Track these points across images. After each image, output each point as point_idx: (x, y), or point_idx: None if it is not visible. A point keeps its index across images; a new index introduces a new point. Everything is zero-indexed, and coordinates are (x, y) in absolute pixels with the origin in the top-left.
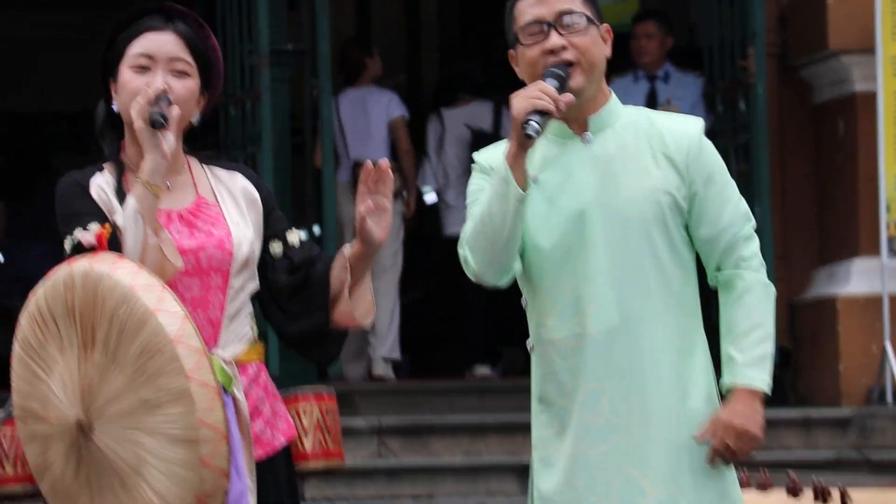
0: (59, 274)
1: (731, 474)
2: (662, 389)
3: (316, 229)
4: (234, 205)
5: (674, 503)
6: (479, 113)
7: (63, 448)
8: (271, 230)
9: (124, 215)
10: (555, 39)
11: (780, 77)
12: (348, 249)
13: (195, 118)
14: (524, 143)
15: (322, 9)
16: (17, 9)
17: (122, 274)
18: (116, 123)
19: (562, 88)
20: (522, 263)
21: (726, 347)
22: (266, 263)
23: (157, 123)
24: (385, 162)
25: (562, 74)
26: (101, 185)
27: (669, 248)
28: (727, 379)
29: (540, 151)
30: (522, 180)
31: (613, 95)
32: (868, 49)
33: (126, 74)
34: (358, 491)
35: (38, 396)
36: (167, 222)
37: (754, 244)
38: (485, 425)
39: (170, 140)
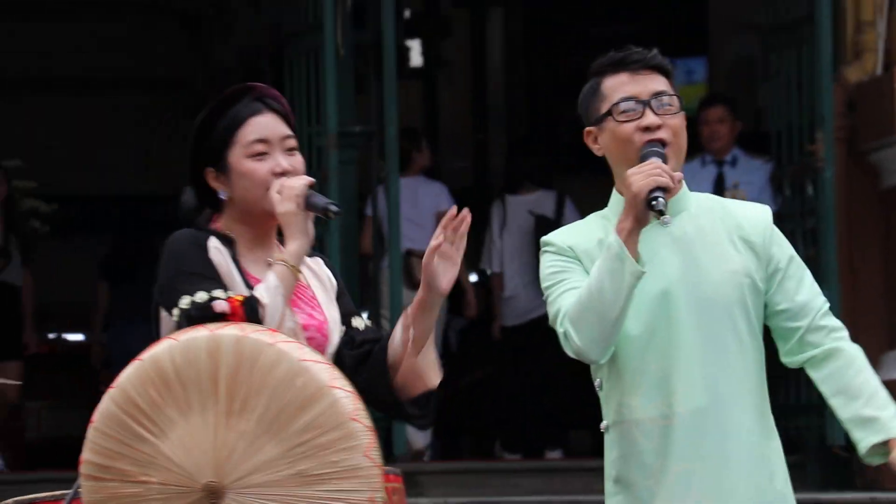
0: (197, 338)
1: None
2: (751, 472)
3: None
4: (322, 290)
5: None
6: (542, 201)
7: None
8: (341, 313)
9: (265, 290)
10: (652, 118)
11: (849, 161)
12: (409, 309)
13: None
14: (644, 219)
15: (390, 92)
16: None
17: (289, 347)
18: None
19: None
20: None
21: (858, 410)
22: None
23: (335, 213)
24: (466, 211)
25: (663, 153)
26: (219, 248)
27: (749, 331)
28: (873, 437)
29: (604, 236)
30: (637, 257)
31: (684, 181)
32: None
33: (246, 164)
34: None
35: (133, 457)
36: (300, 299)
37: (832, 316)
38: None
39: (311, 226)
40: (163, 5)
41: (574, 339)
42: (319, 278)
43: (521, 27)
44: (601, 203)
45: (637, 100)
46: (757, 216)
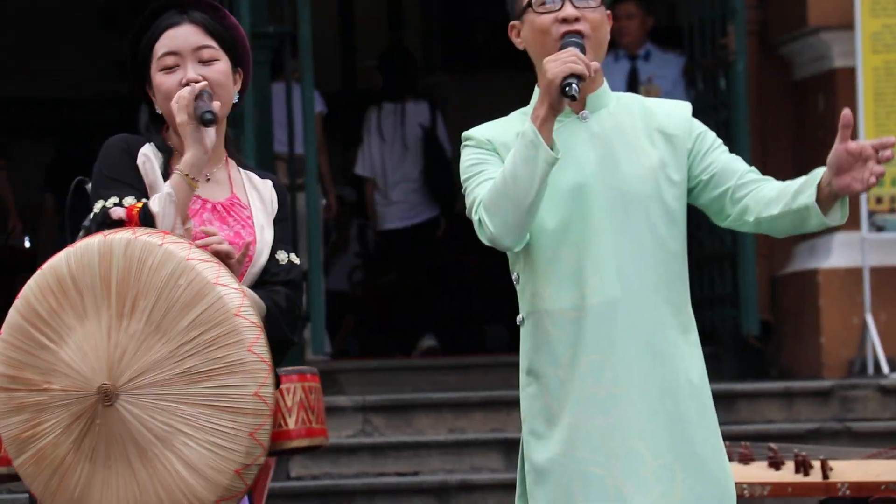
0: (92, 244)
1: (723, 448)
2: (664, 363)
3: None
4: (263, 211)
5: (672, 472)
6: (418, 110)
7: (65, 418)
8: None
9: (159, 199)
10: (570, 10)
11: (761, 54)
12: None
13: (235, 98)
14: (558, 106)
15: None
16: None
17: (175, 247)
18: (158, 122)
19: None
20: None
21: (792, 185)
22: None
23: (207, 121)
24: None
25: (581, 44)
26: (148, 155)
27: (667, 225)
28: (813, 179)
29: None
30: (552, 144)
31: (605, 79)
32: (847, 25)
33: (158, 78)
34: (343, 468)
35: (36, 365)
36: (201, 209)
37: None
38: (468, 401)
39: (211, 135)
40: None
41: (488, 225)
42: (262, 199)
43: None
44: (524, 101)
45: None
46: (677, 110)
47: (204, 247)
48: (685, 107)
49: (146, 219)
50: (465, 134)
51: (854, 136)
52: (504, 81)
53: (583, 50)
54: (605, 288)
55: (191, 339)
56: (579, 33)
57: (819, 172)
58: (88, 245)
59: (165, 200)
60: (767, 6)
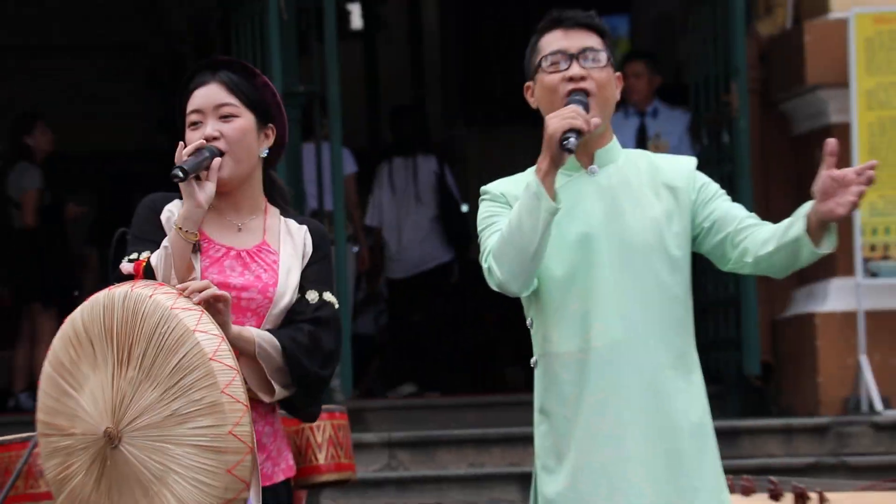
0: (99, 297)
1: (724, 482)
2: (665, 403)
3: None
4: (293, 256)
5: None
6: (426, 164)
7: (86, 460)
8: (303, 280)
9: (157, 254)
10: (576, 69)
11: (762, 111)
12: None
13: (262, 152)
14: (559, 159)
15: (331, 53)
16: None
17: (163, 297)
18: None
19: (588, 109)
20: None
21: (784, 222)
22: None
23: (178, 174)
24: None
25: (585, 101)
26: (172, 211)
27: (670, 271)
28: (802, 212)
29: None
30: (553, 195)
31: (615, 136)
32: (842, 83)
33: (187, 134)
34: (370, 501)
35: (65, 412)
36: (224, 256)
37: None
38: (488, 437)
39: (207, 189)
40: None
41: (496, 272)
42: (294, 244)
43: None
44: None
45: (565, 53)
46: (681, 164)
47: (191, 294)
48: (689, 161)
49: (148, 272)
50: (483, 188)
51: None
52: (521, 135)
53: (586, 107)
54: (608, 331)
55: (175, 384)
56: (585, 91)
57: (807, 205)
58: (96, 299)
59: (162, 254)
60: (768, 65)
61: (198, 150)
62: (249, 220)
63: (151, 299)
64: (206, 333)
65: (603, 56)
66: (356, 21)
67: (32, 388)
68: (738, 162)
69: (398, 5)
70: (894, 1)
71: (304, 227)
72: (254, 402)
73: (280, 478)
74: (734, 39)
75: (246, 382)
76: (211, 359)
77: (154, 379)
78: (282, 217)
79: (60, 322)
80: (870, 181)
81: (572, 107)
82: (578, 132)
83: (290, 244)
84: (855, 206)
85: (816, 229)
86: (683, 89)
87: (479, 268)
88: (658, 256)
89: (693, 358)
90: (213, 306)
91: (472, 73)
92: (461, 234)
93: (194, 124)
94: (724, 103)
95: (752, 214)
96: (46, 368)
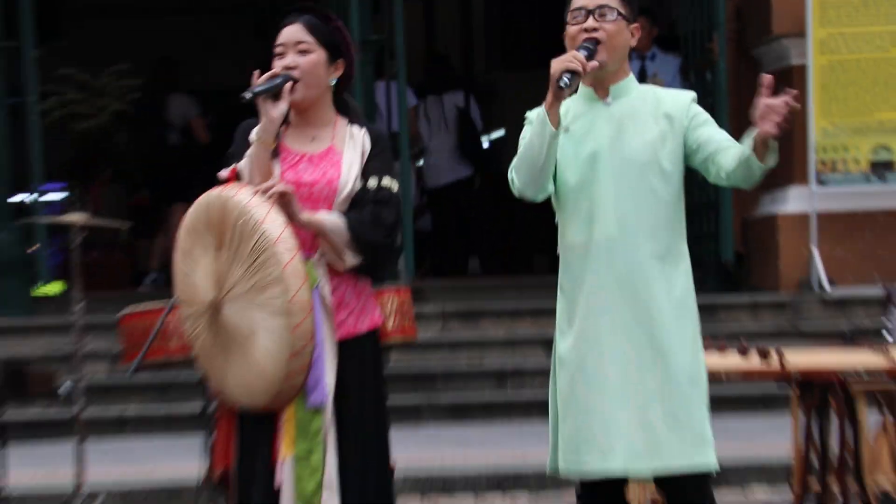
0: (202, 199)
1: (700, 344)
2: (649, 284)
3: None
4: (354, 154)
5: (651, 361)
6: (454, 98)
7: (205, 323)
8: (364, 172)
9: (243, 161)
10: (590, 22)
11: (737, 56)
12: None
13: (331, 81)
14: (558, 94)
15: (398, 11)
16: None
17: (242, 196)
18: None
19: (590, 58)
20: (555, 190)
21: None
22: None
23: (245, 95)
24: None
25: (591, 48)
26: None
27: (662, 182)
28: (750, 135)
29: (573, 107)
30: (556, 122)
31: (632, 74)
32: (801, 34)
33: (274, 62)
34: (428, 358)
35: (188, 289)
36: (299, 161)
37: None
38: (520, 310)
39: (279, 108)
40: None
41: (515, 182)
42: (355, 144)
43: None
44: None
45: (584, 9)
46: (680, 97)
47: (261, 192)
48: (688, 94)
49: (238, 176)
50: (526, 113)
51: (804, 118)
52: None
53: (591, 54)
54: (606, 228)
55: (252, 262)
56: (595, 40)
57: (754, 130)
58: (200, 199)
59: (246, 162)
60: (742, 20)
61: (272, 77)
62: (321, 131)
63: (234, 198)
64: (272, 223)
65: (613, 13)
66: None
67: (163, 269)
68: (718, 96)
69: None
70: None
71: (364, 129)
72: (335, 270)
73: (364, 329)
74: (716, 0)
75: (323, 255)
76: (275, 242)
77: (239, 258)
78: (349, 125)
79: None
80: (788, 105)
81: (574, 52)
82: (574, 73)
83: (351, 145)
84: (780, 125)
85: (760, 147)
86: (676, 39)
87: (498, 177)
88: (651, 170)
89: (681, 250)
90: (280, 200)
91: (511, 25)
92: (477, 155)
93: (279, 55)
94: (707, 50)
95: (730, 138)
96: (176, 254)
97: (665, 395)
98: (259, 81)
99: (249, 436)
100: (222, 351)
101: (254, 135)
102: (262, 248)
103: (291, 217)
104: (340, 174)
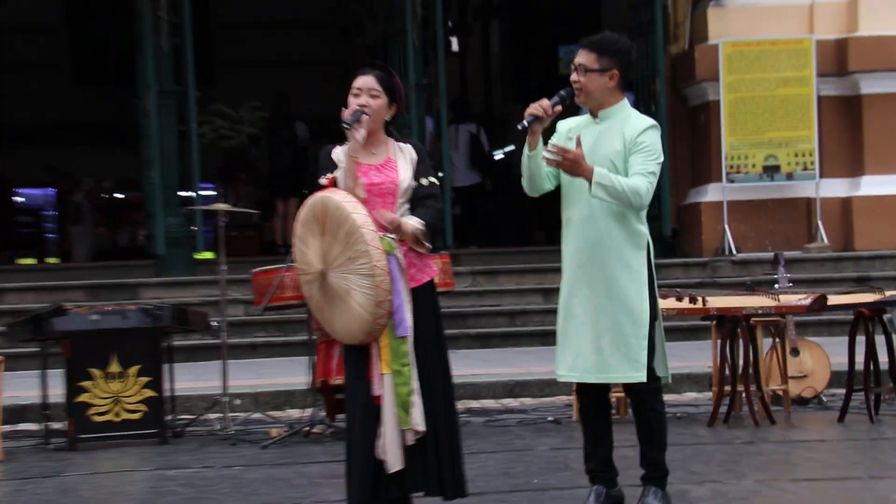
0: (310, 200)
1: (645, 295)
2: (610, 251)
3: None
4: (405, 162)
5: (603, 306)
6: (469, 127)
7: (316, 286)
8: (416, 174)
9: (340, 172)
10: (574, 76)
11: (672, 94)
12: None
13: (388, 117)
14: (526, 129)
15: (441, 64)
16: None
17: (338, 196)
18: None
19: (561, 103)
20: (560, 182)
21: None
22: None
23: (345, 125)
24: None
25: (564, 95)
26: (338, 153)
27: None
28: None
29: (580, 123)
30: (533, 146)
31: (623, 103)
32: (716, 78)
33: (350, 100)
34: (461, 302)
35: (304, 262)
36: (369, 169)
37: (650, 179)
38: (525, 269)
39: (361, 133)
40: (326, 20)
41: (524, 185)
42: (405, 156)
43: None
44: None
45: (576, 65)
46: (636, 124)
47: (353, 192)
48: (642, 124)
49: (335, 183)
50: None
51: (719, 137)
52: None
53: (563, 100)
54: (581, 211)
55: (347, 243)
56: (572, 89)
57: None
58: (308, 201)
59: (341, 172)
60: (676, 68)
61: (354, 111)
62: (378, 148)
63: (333, 198)
64: (358, 213)
65: (588, 71)
66: (454, 46)
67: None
68: (660, 121)
69: (477, 37)
70: (746, 33)
71: (409, 145)
72: (403, 241)
73: (425, 279)
74: (657, 55)
75: (405, 242)
76: (361, 226)
77: (337, 240)
78: (396, 143)
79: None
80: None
81: (542, 101)
82: (536, 116)
83: (402, 156)
84: (556, 164)
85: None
86: (631, 82)
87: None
88: (613, 172)
89: (638, 230)
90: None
91: (520, 70)
92: (483, 167)
93: (355, 94)
94: (652, 90)
95: (636, 171)
96: (294, 239)
97: (613, 331)
98: (346, 115)
99: (352, 363)
100: (329, 305)
101: (341, 153)
102: (352, 231)
103: (397, 229)
104: (399, 176)
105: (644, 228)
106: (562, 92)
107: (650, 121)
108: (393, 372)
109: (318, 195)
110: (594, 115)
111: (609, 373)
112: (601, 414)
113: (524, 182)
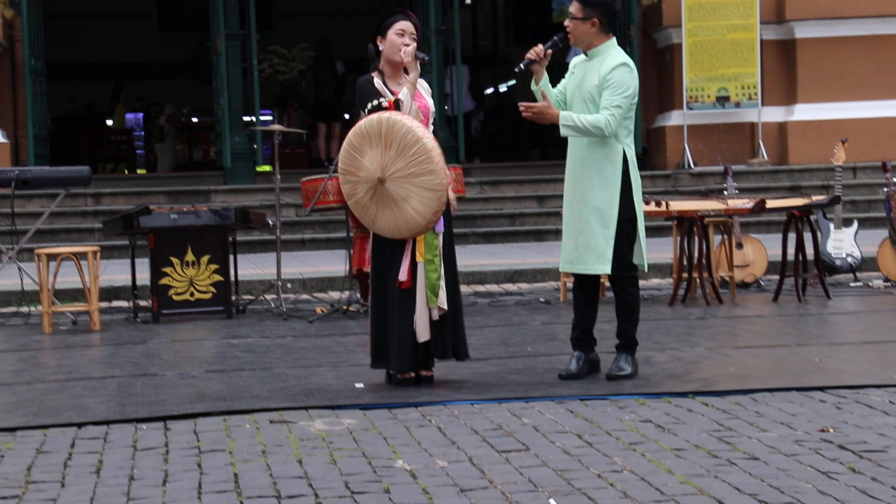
0: (374, 116)
1: (617, 197)
2: (590, 165)
3: None
4: (426, 94)
5: (582, 210)
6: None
7: (365, 188)
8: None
9: (403, 95)
10: (566, 22)
11: (644, 38)
12: None
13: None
14: (524, 70)
15: (455, 12)
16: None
17: (407, 119)
18: (377, 55)
19: (553, 47)
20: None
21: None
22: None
23: (424, 61)
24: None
25: (556, 40)
26: (378, 82)
27: (596, 109)
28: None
29: (578, 60)
30: (539, 80)
31: (607, 44)
32: (679, 25)
33: (393, 37)
34: (470, 207)
35: (355, 165)
36: (416, 97)
37: (611, 113)
38: (523, 180)
39: (417, 68)
40: None
41: None
42: (425, 89)
43: None
44: None
45: (568, 13)
46: (609, 63)
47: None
48: (614, 61)
49: (398, 105)
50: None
51: (681, 73)
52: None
53: (555, 44)
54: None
55: (413, 160)
56: (566, 31)
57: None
58: (372, 119)
59: (407, 96)
60: (647, 16)
61: (416, 51)
62: (403, 81)
63: (401, 120)
64: (427, 137)
65: (578, 17)
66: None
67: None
68: (634, 61)
69: None
70: None
71: (425, 82)
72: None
73: (452, 196)
74: (632, 6)
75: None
76: (431, 149)
77: (403, 156)
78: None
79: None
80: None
81: (537, 46)
82: (531, 60)
83: (423, 89)
84: (528, 117)
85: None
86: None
87: (511, 107)
88: (590, 103)
89: (616, 148)
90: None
91: (521, 15)
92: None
93: (399, 34)
94: (627, 34)
95: (605, 105)
96: (345, 146)
97: (585, 231)
98: (415, 52)
99: (386, 254)
100: (376, 205)
101: (411, 80)
102: (422, 152)
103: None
104: (428, 102)
105: (621, 147)
106: (555, 37)
107: (621, 59)
108: (426, 261)
109: (385, 115)
110: (586, 53)
111: (582, 265)
112: (588, 294)
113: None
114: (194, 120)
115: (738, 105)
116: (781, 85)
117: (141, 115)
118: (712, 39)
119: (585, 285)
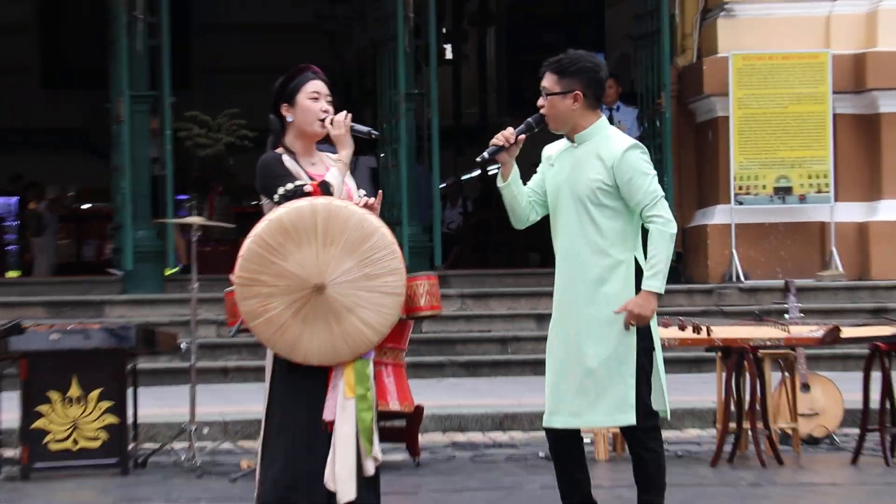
0: (299, 205)
1: (632, 332)
2: (592, 285)
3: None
4: (349, 177)
5: (591, 339)
6: (370, 161)
7: (285, 301)
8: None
9: (332, 178)
10: (540, 101)
11: (678, 109)
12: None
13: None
14: (486, 161)
15: (433, 73)
16: None
17: (354, 208)
18: (282, 129)
19: (527, 131)
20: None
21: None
22: None
23: (370, 137)
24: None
25: (531, 122)
26: (287, 160)
27: (598, 210)
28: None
29: (558, 148)
30: (506, 176)
31: (598, 124)
32: (725, 93)
33: (307, 102)
34: (450, 327)
35: (271, 272)
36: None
37: (659, 207)
38: (518, 293)
39: (351, 141)
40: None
41: (509, 216)
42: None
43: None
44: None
45: (541, 89)
46: (615, 147)
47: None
48: (619, 147)
49: (325, 189)
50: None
51: (727, 156)
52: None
53: (530, 127)
54: (561, 246)
55: (368, 256)
56: (542, 109)
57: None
58: (299, 205)
59: (338, 178)
60: (682, 82)
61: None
62: (316, 157)
63: (347, 208)
64: (384, 228)
65: (551, 92)
66: (448, 54)
67: None
68: (665, 138)
69: (473, 44)
70: (757, 45)
71: (328, 154)
72: None
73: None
74: (662, 67)
75: None
76: (392, 242)
77: (352, 254)
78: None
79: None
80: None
81: (506, 130)
82: (498, 147)
83: (332, 162)
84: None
85: None
86: (634, 95)
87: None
88: (589, 202)
89: (621, 259)
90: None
91: (515, 82)
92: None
93: (314, 98)
94: (657, 104)
95: (647, 203)
96: (251, 247)
97: (595, 369)
98: (342, 120)
99: (301, 387)
100: (304, 322)
101: (341, 159)
102: (380, 246)
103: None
104: (351, 189)
105: (630, 256)
106: (529, 119)
107: (627, 142)
108: (357, 397)
109: (319, 202)
110: (570, 139)
111: (596, 416)
112: (574, 452)
113: (509, 214)
114: (85, 207)
115: (802, 199)
116: (861, 174)
117: (14, 199)
118: (769, 113)
119: (570, 441)
